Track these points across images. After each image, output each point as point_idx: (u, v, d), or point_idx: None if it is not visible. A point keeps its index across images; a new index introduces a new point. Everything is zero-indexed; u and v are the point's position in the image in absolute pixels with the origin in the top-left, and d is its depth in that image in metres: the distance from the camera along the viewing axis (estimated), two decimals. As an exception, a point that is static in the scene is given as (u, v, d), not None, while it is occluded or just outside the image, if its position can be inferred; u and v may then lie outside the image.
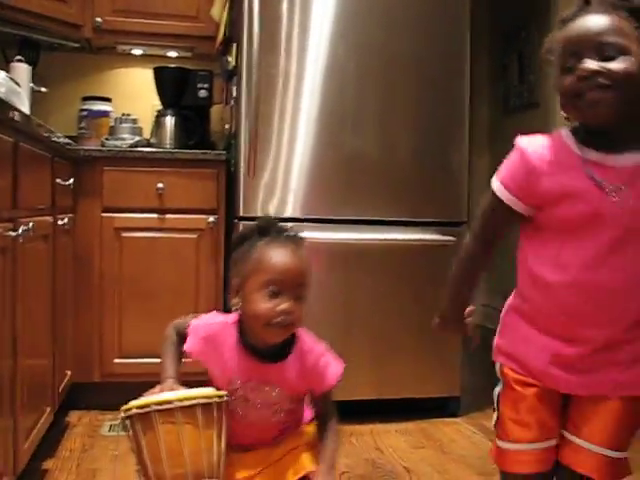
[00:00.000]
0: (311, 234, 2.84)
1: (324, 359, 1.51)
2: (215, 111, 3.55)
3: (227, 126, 3.27)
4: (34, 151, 2.14)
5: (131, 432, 1.38)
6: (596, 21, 1.24)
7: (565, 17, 1.29)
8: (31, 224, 1.91)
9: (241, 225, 2.80)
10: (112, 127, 3.39)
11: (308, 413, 1.61)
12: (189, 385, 1.48)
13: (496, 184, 1.34)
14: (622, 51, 1.21)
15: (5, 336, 1.79)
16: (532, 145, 1.31)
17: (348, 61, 2.90)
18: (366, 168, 2.93)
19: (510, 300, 1.43)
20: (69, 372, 2.78)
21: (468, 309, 1.46)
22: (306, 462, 1.50)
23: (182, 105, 3.38)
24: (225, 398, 1.42)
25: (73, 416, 2.88)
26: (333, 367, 1.52)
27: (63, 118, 3.49)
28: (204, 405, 1.38)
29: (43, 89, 3.16)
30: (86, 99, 3.46)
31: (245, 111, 2.81)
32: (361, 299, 2.92)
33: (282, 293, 1.39)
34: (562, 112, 1.31)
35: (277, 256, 1.41)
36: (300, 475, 1.48)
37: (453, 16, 3.02)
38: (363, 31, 2.92)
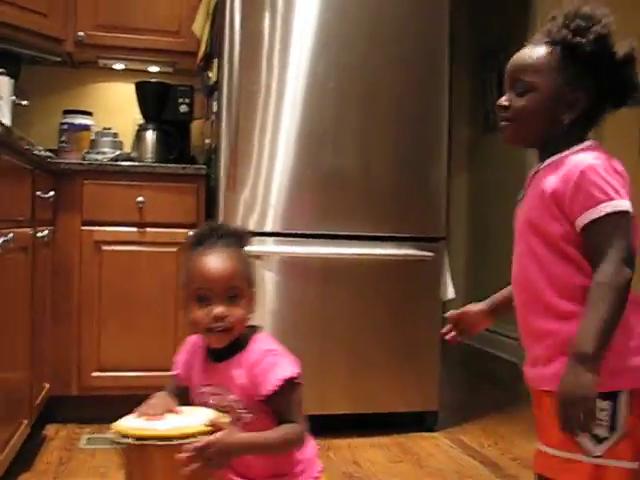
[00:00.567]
0: (291, 248, 2.88)
1: (270, 359, 1.43)
2: (196, 126, 3.58)
3: (207, 141, 3.30)
4: (14, 163, 2.15)
5: (124, 455, 1.34)
6: (519, 57, 1.40)
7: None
8: (10, 235, 1.92)
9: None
10: (93, 141, 3.40)
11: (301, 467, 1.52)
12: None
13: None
14: (530, 88, 1.34)
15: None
16: None
17: (328, 78, 2.93)
18: (345, 184, 2.96)
19: None
20: (47, 385, 2.77)
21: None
22: None
23: (163, 120, 3.40)
24: (227, 424, 1.39)
25: (50, 429, 2.87)
26: (280, 369, 1.42)
27: (44, 131, 3.49)
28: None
29: (24, 102, 3.17)
30: (67, 112, 3.47)
31: (225, 126, 2.84)
32: (338, 313, 2.94)
33: (211, 299, 1.41)
34: None
35: (200, 264, 1.43)
36: None
37: (433, 35, 3.06)
38: (344, 48, 2.95)
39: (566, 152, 1.32)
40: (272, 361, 1.43)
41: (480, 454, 2.79)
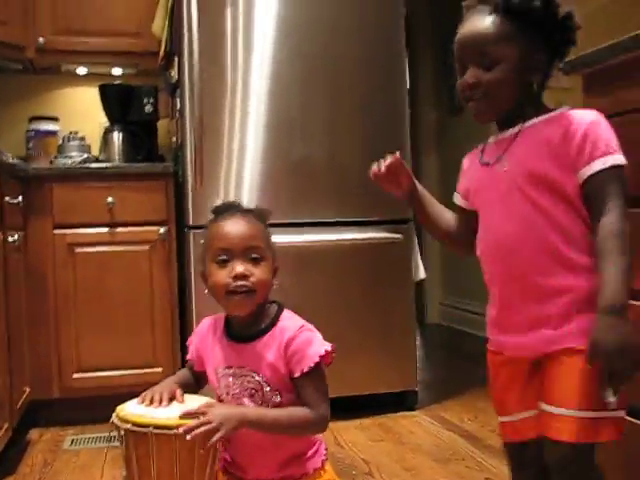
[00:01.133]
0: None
1: (304, 336, 1.40)
2: (162, 125, 3.60)
3: (174, 139, 3.32)
4: (-21, 169, 2.17)
5: (123, 441, 1.34)
6: (473, 31, 1.37)
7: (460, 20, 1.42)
8: (-22, 239, 1.94)
9: (192, 234, 2.86)
10: (60, 146, 3.42)
11: (317, 459, 1.49)
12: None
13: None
14: (497, 60, 1.33)
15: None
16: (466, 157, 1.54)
17: (292, 68, 2.98)
18: (315, 172, 3.01)
19: None
20: (27, 389, 2.79)
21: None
22: None
23: (129, 121, 3.42)
24: None
25: (34, 433, 2.89)
26: (315, 346, 1.39)
27: (11, 139, 3.50)
28: None
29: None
30: (33, 119, 3.49)
31: (189, 123, 2.87)
32: (314, 300, 2.97)
33: (232, 259, 1.37)
34: None
35: (220, 227, 1.41)
36: None
37: (389, 21, 3.11)
38: (305, 38, 2.99)
39: (557, 111, 1.33)
40: (308, 337, 1.40)
41: (460, 428, 2.85)
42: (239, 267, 1.36)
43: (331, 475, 1.49)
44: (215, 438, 1.28)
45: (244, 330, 1.42)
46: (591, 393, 1.24)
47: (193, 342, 1.52)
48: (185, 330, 2.94)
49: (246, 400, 1.39)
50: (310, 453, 1.46)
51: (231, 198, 2.87)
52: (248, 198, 2.89)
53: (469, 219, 1.48)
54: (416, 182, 1.57)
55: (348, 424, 2.92)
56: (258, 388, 1.39)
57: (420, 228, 4.97)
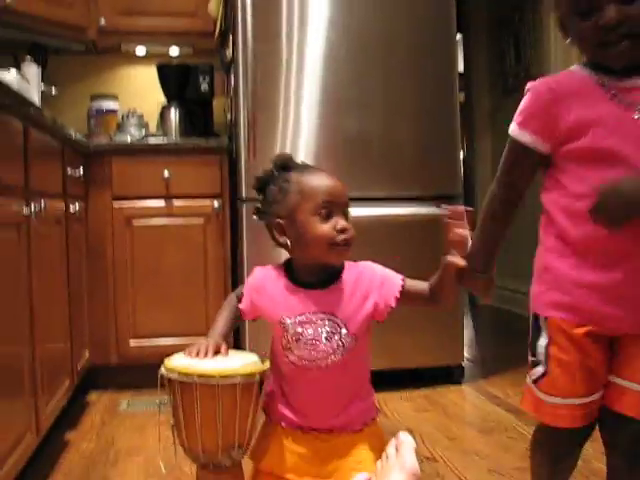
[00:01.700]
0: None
1: (382, 269, 1.48)
2: (218, 103, 3.69)
3: (229, 116, 3.41)
4: (44, 139, 2.29)
5: (168, 390, 1.41)
6: None
7: None
8: (43, 202, 2.05)
9: (244, 207, 2.94)
10: (119, 123, 3.55)
11: (373, 412, 1.51)
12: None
13: (513, 128, 1.34)
14: None
15: (22, 311, 1.93)
16: (545, 82, 1.32)
17: (346, 46, 3.03)
18: (366, 149, 3.06)
19: (546, 246, 1.38)
20: (87, 353, 2.93)
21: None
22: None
23: (185, 99, 3.54)
24: (266, 372, 1.43)
25: (93, 395, 3.04)
26: (390, 272, 1.47)
27: (74, 117, 3.64)
28: (245, 382, 1.39)
29: (53, 91, 3.33)
30: (94, 98, 3.63)
31: (242, 99, 2.95)
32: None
33: (333, 213, 1.41)
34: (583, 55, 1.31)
35: (319, 181, 1.43)
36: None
37: (440, 4, 3.15)
38: (358, 16, 3.04)
39: None
40: (385, 270, 1.47)
41: (504, 402, 2.87)
42: (343, 222, 1.41)
43: (382, 431, 1.52)
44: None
45: (317, 277, 1.44)
46: None
47: (247, 293, 1.51)
48: (237, 301, 3.03)
49: (321, 346, 1.41)
50: (368, 403, 1.50)
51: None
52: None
53: (532, 166, 1.36)
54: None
55: (394, 395, 2.99)
56: (336, 332, 1.41)
57: (471, 205, 4.95)
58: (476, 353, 3.87)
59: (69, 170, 2.65)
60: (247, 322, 1.62)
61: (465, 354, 3.28)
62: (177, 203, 3.13)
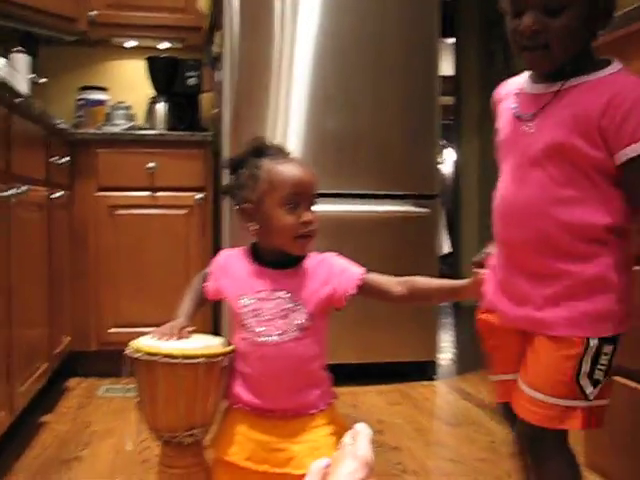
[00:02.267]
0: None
1: (344, 261, 1.50)
2: (206, 98, 3.75)
3: (215, 111, 3.46)
4: (29, 127, 2.34)
5: (134, 370, 1.45)
6: None
7: None
8: (23, 188, 2.10)
9: (227, 200, 3.00)
10: (108, 114, 3.59)
11: (327, 398, 1.53)
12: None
13: None
14: (566, 4, 1.17)
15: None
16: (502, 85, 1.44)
17: (336, 43, 3.09)
18: (351, 146, 3.13)
19: None
20: (67, 338, 2.97)
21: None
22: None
23: (173, 92, 3.58)
24: (229, 355, 1.47)
25: (72, 382, 3.09)
26: (353, 265, 1.49)
27: (63, 107, 3.69)
28: (207, 363, 1.43)
29: (43, 80, 3.38)
30: (83, 89, 3.68)
31: (227, 93, 3.01)
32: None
33: (300, 205, 1.43)
34: None
35: (289, 172, 1.44)
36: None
37: (424, 8, 3.21)
38: (347, 16, 3.11)
39: (605, 72, 1.21)
40: (345, 262, 1.49)
41: (475, 398, 2.94)
42: (309, 214, 1.42)
43: (341, 418, 1.54)
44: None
45: (279, 258, 1.47)
46: (566, 382, 1.22)
47: (212, 273, 1.54)
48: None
49: (278, 322, 1.44)
50: (323, 389, 1.51)
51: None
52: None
53: None
54: None
55: (368, 389, 3.04)
56: (294, 309, 1.44)
57: (449, 204, 5.00)
58: (455, 351, 3.94)
59: (54, 158, 2.70)
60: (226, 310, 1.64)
61: (443, 352, 3.34)
62: (161, 194, 3.18)
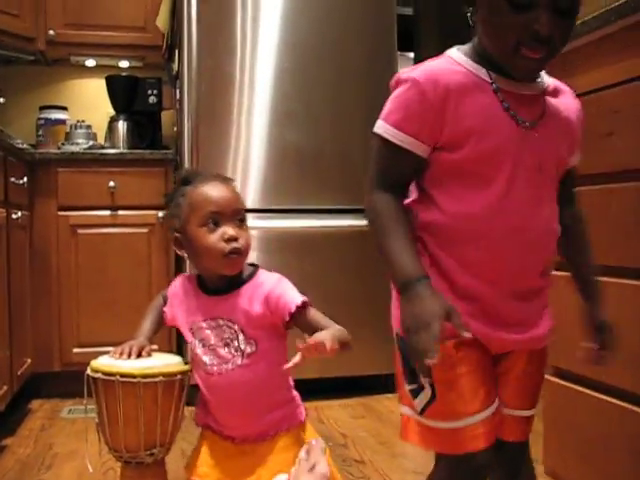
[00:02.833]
0: (251, 223, 3.05)
1: (286, 284, 1.45)
2: (167, 117, 3.75)
3: (175, 129, 3.47)
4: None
5: (93, 390, 1.47)
6: None
7: None
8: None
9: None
10: (68, 133, 3.59)
11: (294, 420, 1.51)
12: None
13: (383, 126, 1.18)
14: (575, 6, 1.06)
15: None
16: (426, 75, 1.10)
17: (295, 59, 3.13)
18: (312, 161, 3.15)
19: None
20: (29, 360, 2.95)
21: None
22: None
23: (133, 111, 3.59)
24: (188, 373, 1.49)
25: (35, 404, 3.06)
26: (294, 293, 1.43)
27: (23, 127, 3.67)
28: (166, 382, 1.45)
29: (1, 100, 3.36)
30: (43, 108, 3.66)
31: (186, 111, 3.02)
32: (307, 281, 3.06)
33: (222, 222, 1.40)
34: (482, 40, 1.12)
35: (207, 190, 1.43)
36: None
37: (383, 20, 3.26)
38: (306, 31, 3.14)
39: (546, 75, 1.17)
40: (288, 285, 1.44)
41: (439, 409, 2.96)
42: (231, 230, 1.40)
43: (313, 434, 1.53)
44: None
45: (220, 284, 1.45)
46: (540, 389, 1.24)
47: (169, 299, 1.55)
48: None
49: (221, 350, 1.44)
50: (289, 411, 1.50)
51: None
52: (242, 184, 3.03)
53: (417, 171, 1.16)
54: None
55: (333, 403, 3.06)
56: (233, 337, 1.42)
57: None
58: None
59: (13, 178, 2.69)
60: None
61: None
62: (122, 213, 3.18)
